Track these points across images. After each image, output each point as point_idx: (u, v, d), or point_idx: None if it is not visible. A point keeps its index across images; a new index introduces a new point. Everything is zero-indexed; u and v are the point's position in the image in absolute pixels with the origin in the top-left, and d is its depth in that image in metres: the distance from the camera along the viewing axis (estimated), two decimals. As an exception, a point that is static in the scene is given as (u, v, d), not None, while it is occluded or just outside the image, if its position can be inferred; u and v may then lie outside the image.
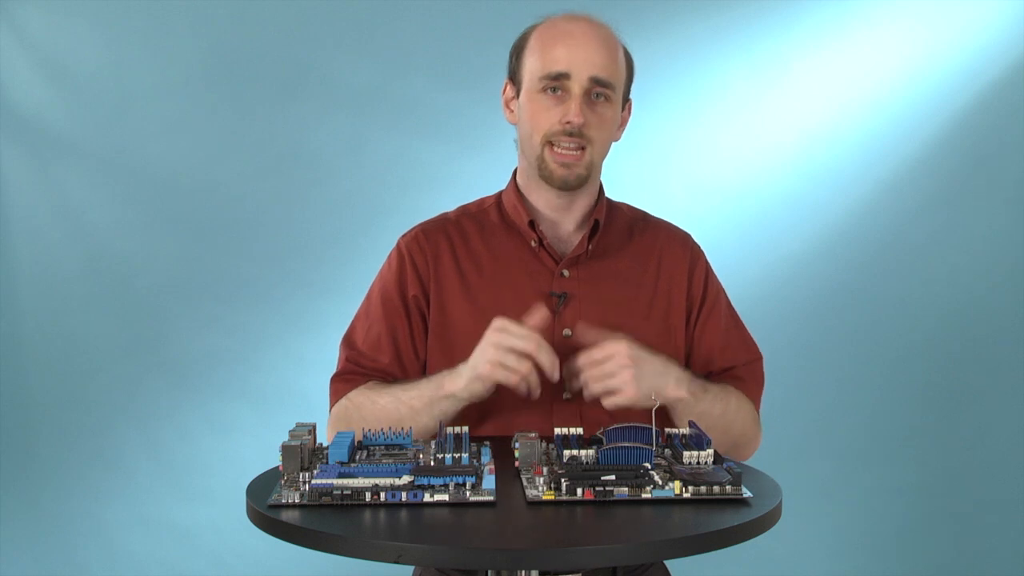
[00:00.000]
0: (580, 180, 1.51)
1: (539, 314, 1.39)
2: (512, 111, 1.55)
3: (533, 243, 1.55)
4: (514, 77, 1.54)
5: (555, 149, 1.48)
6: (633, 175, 2.67)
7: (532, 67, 1.49)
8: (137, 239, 2.98)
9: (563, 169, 1.49)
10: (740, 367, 1.59)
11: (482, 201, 1.64)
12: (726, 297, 1.64)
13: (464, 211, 1.63)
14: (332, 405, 1.56)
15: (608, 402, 1.37)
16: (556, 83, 1.46)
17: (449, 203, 1.67)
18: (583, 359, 1.38)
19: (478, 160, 2.73)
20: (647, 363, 1.38)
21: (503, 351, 1.35)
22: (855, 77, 2.86)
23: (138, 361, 2.99)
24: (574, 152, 1.48)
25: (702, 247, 1.65)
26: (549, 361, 1.35)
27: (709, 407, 1.45)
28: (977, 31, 2.83)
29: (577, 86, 1.46)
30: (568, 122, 1.46)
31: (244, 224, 2.97)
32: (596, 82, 1.46)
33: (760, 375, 1.62)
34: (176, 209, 2.97)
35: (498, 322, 1.37)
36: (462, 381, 1.38)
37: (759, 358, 1.62)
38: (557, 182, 1.50)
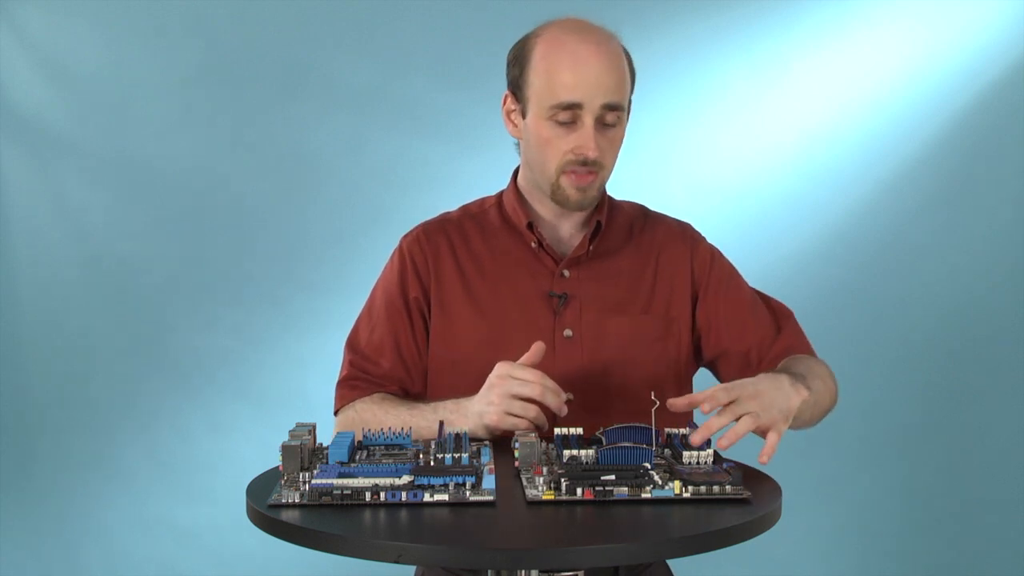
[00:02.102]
0: (593, 201, 1.52)
1: (536, 350, 1.37)
2: (515, 124, 1.53)
3: (533, 244, 1.55)
4: (516, 91, 1.51)
5: (570, 175, 1.47)
6: (633, 175, 2.66)
7: (539, 90, 1.46)
8: (137, 239, 2.98)
9: (579, 193, 1.48)
10: (782, 334, 1.56)
11: (483, 201, 1.64)
12: (738, 273, 1.62)
13: (465, 211, 1.63)
14: (337, 411, 1.56)
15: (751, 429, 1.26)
16: (568, 113, 1.44)
17: (450, 203, 1.66)
18: (719, 398, 1.24)
19: (478, 160, 2.73)
20: (765, 389, 1.28)
21: (508, 399, 1.34)
22: (855, 77, 2.86)
23: (138, 361, 3.00)
24: (587, 176, 1.48)
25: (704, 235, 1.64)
26: (556, 403, 1.34)
27: (819, 388, 1.43)
28: (977, 31, 2.83)
29: (589, 115, 1.44)
30: (583, 155, 1.45)
31: (244, 224, 2.97)
32: (608, 107, 1.44)
33: (800, 330, 1.59)
34: (176, 209, 2.97)
35: (501, 368, 1.36)
36: (470, 424, 1.38)
37: (790, 314, 1.60)
38: (573, 206, 1.50)
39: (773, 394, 1.27)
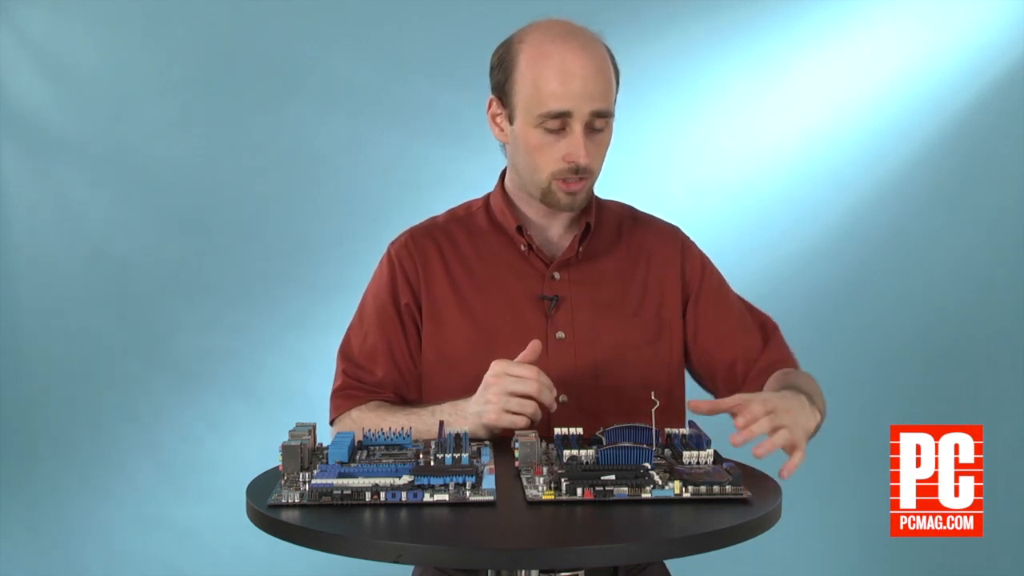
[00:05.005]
0: (583, 203, 1.51)
1: (533, 348, 1.38)
2: (501, 129, 1.53)
3: (523, 247, 1.55)
4: (502, 96, 1.50)
5: (561, 182, 1.47)
6: (633, 175, 2.66)
7: (527, 98, 1.45)
8: (137, 239, 2.98)
9: (569, 198, 1.48)
10: (769, 347, 1.57)
11: (469, 204, 1.63)
12: (727, 283, 1.63)
13: (452, 215, 1.62)
14: (332, 420, 1.56)
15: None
16: (556, 121, 1.44)
17: (450, 203, 1.66)
18: (755, 411, 1.24)
19: (479, 160, 2.72)
20: (793, 407, 1.29)
21: (505, 397, 1.34)
22: (855, 77, 2.86)
23: (138, 361, 2.99)
24: (578, 183, 1.48)
25: (699, 243, 1.64)
26: (549, 399, 1.35)
27: (821, 409, 1.43)
28: (977, 31, 2.83)
29: (578, 123, 1.43)
30: (574, 162, 1.45)
31: (244, 224, 2.97)
32: (596, 115, 1.44)
33: (785, 343, 1.61)
34: (176, 209, 2.97)
35: (496, 366, 1.36)
36: (469, 424, 1.38)
37: (776, 328, 1.61)
38: (563, 208, 1.50)
39: (798, 413, 1.29)
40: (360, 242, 2.84)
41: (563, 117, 1.43)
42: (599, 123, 1.45)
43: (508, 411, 1.34)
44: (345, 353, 1.58)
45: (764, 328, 1.60)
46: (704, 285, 1.58)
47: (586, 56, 1.44)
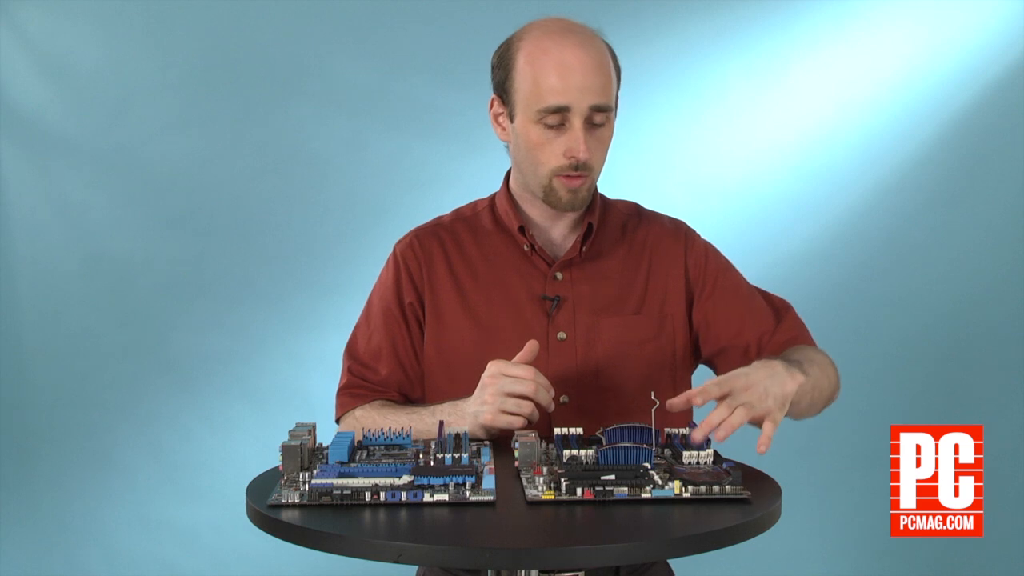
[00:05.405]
0: (584, 201, 1.51)
1: (530, 348, 1.38)
2: (504, 128, 1.53)
3: (526, 247, 1.55)
4: (503, 95, 1.51)
5: (562, 178, 1.47)
6: (633, 175, 2.67)
7: (526, 94, 1.45)
8: (137, 239, 2.98)
9: (570, 194, 1.48)
10: (782, 326, 1.57)
11: (475, 204, 1.64)
12: (735, 268, 1.62)
13: (458, 215, 1.63)
14: (338, 418, 1.57)
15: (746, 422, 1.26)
16: (556, 116, 1.44)
17: (450, 203, 1.66)
18: (711, 392, 1.23)
19: (478, 160, 2.73)
20: (758, 379, 1.27)
21: (502, 397, 1.34)
22: (854, 77, 2.86)
23: (138, 361, 3.00)
24: (577, 179, 1.47)
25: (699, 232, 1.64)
26: (546, 400, 1.35)
27: (817, 374, 1.42)
28: (977, 31, 2.83)
29: (577, 118, 1.43)
30: (574, 157, 1.45)
31: (244, 224, 2.98)
32: (596, 109, 1.44)
33: (800, 321, 1.59)
34: (176, 209, 2.98)
35: (493, 366, 1.36)
36: (467, 425, 1.38)
37: (789, 307, 1.60)
38: (565, 206, 1.50)
39: (767, 382, 1.26)
40: (360, 242, 2.85)
41: (562, 112, 1.43)
42: (599, 118, 1.45)
43: (504, 411, 1.34)
44: (351, 352, 1.59)
45: (777, 310, 1.59)
46: (708, 276, 1.58)
47: (584, 51, 1.44)
